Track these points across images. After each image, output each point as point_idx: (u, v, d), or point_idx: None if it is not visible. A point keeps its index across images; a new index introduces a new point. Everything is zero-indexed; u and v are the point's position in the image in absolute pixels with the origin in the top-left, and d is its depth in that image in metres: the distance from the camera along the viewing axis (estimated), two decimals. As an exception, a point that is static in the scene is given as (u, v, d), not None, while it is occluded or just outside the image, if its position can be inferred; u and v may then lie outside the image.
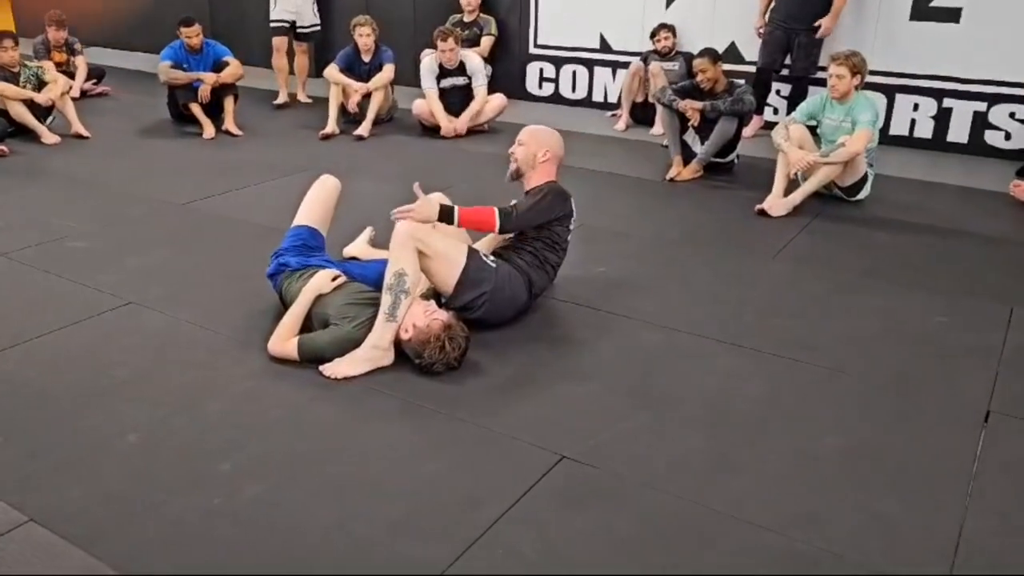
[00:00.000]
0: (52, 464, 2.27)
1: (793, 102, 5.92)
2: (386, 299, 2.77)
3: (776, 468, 2.31)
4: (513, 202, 3.21)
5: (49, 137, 5.77)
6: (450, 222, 3.02)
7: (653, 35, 6.23)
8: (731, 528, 2.06)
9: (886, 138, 5.72)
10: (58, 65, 7.09)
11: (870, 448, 2.40)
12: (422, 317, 2.75)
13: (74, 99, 6.82)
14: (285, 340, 2.82)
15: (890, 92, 5.82)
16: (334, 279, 2.95)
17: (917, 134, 5.85)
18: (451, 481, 2.24)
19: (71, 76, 7.24)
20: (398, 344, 2.80)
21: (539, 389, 2.71)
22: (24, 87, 5.82)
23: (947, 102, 5.67)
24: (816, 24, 5.66)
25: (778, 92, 6.19)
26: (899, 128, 5.88)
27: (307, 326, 2.90)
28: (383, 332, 2.76)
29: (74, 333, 3.02)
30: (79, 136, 5.90)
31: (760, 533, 2.04)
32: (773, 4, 5.85)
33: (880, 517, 2.11)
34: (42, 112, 5.92)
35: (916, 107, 5.80)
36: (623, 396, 2.67)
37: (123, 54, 9.43)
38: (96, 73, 7.60)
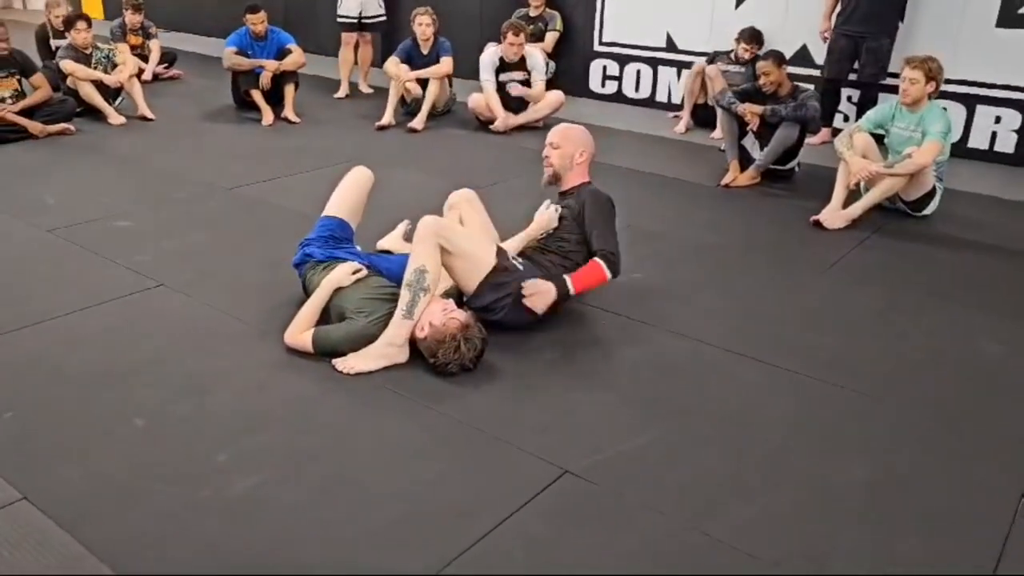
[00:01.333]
0: (55, 444, 2.28)
1: (863, 108, 5.65)
2: (404, 295, 2.71)
3: (791, 497, 2.16)
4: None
5: (115, 118, 5.92)
6: (567, 296, 2.97)
7: (738, 40, 6.00)
8: (728, 560, 1.93)
9: (963, 151, 5.40)
10: (133, 48, 7.30)
11: (898, 483, 2.23)
12: (439, 315, 2.68)
13: (146, 82, 7.02)
14: (301, 331, 2.79)
15: (970, 103, 5.48)
16: (355, 272, 2.91)
17: (998, 148, 5.49)
18: (446, 489, 2.16)
19: (145, 59, 7.44)
20: (414, 342, 2.73)
21: (552, 397, 2.61)
22: (95, 68, 5.98)
23: (1033, 115, 5.32)
24: (887, 30, 5.39)
25: (849, 98, 5.92)
26: (978, 141, 5.53)
27: (325, 319, 2.86)
28: (399, 329, 2.70)
29: (101, 312, 3.05)
30: (144, 118, 6.04)
31: (759, 568, 1.90)
32: (839, 9, 5.59)
33: (900, 560, 1.95)
34: (111, 93, 6.08)
35: (998, 119, 5.44)
36: (638, 409, 2.55)
37: (197, 38, 9.66)
38: (169, 57, 7.78)
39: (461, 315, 2.70)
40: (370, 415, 2.49)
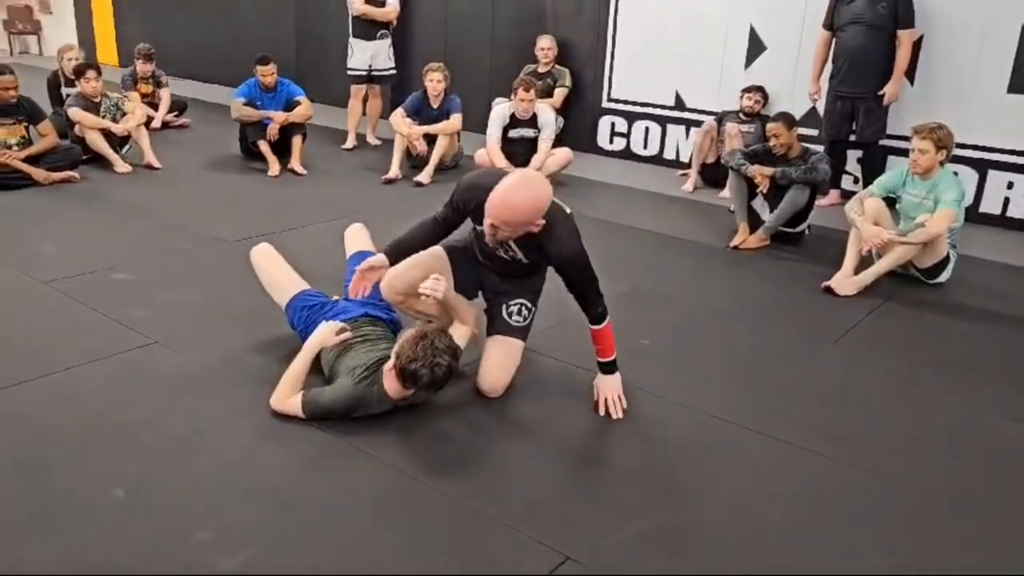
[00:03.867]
0: (29, 515, 2.17)
1: (868, 169, 5.63)
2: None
3: (805, 593, 2.03)
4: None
5: (121, 166, 5.91)
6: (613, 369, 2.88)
7: (743, 93, 6.02)
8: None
9: (975, 216, 5.34)
10: (144, 96, 7.36)
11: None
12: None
13: (155, 130, 7.06)
14: (287, 397, 2.68)
15: (982, 167, 5.44)
16: (339, 332, 2.79)
17: (1011, 214, 5.43)
18: (445, 572, 2.04)
19: (155, 107, 7.49)
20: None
21: (551, 471, 2.49)
22: (104, 117, 5.99)
23: (1046, 181, 5.27)
24: (880, 92, 5.40)
25: (858, 160, 5.88)
26: (991, 206, 5.47)
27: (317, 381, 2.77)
28: None
29: (92, 370, 2.96)
30: (150, 167, 6.03)
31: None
32: (831, 72, 5.60)
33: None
34: (118, 141, 6.08)
35: (1011, 185, 5.39)
36: (642, 489, 2.43)
37: (207, 87, 9.75)
38: (179, 105, 7.82)
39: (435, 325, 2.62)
40: (361, 489, 2.37)
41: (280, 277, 3.18)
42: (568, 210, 2.79)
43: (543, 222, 2.58)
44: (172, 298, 3.67)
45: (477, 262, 3.02)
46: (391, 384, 2.58)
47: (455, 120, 6.14)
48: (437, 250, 3.00)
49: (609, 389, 2.85)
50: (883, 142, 5.62)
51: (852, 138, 5.69)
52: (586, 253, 2.72)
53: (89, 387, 2.85)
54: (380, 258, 2.81)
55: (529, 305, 3.01)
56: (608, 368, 2.86)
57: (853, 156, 5.87)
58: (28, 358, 3.02)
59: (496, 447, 2.61)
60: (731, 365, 3.29)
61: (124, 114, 6.09)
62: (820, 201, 5.35)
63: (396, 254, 2.83)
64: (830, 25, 5.55)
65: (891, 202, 4.40)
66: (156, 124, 7.30)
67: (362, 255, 3.16)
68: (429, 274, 2.84)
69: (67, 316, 3.44)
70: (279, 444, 2.55)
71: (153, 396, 2.81)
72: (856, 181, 5.85)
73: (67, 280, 3.81)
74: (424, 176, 5.96)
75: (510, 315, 2.98)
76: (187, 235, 4.58)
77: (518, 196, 2.52)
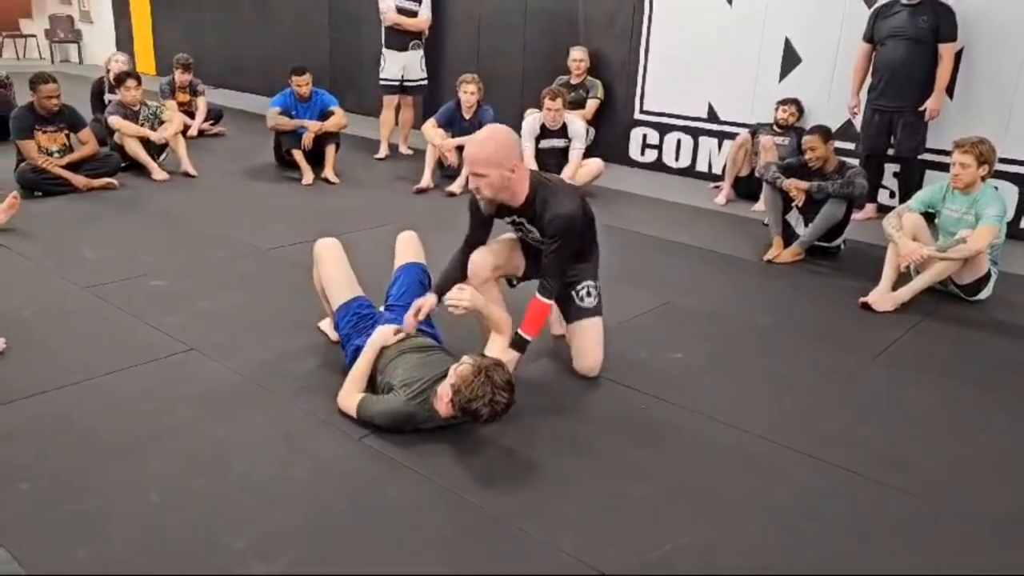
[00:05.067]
0: (68, 518, 2.19)
1: (905, 183, 5.56)
2: None
3: (848, 617, 1.99)
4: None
5: (159, 173, 5.99)
6: (526, 344, 3.01)
7: (778, 105, 5.98)
8: None
9: (1017, 232, 5.25)
10: (181, 105, 7.47)
11: (965, 604, 2.05)
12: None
13: (192, 138, 7.16)
14: (349, 396, 2.76)
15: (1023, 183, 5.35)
16: (396, 332, 2.86)
17: (1052, 230, 5.34)
18: (475, 587, 2.03)
19: (192, 116, 7.60)
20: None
21: (589, 488, 2.47)
22: (142, 125, 6.08)
23: (1091, 197, 5.17)
24: (920, 108, 5.33)
25: (894, 174, 5.81)
26: (1033, 222, 5.38)
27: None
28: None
29: (130, 376, 2.99)
30: (187, 174, 6.11)
31: None
32: (869, 84, 5.53)
33: None
34: (156, 149, 6.17)
35: (1052, 200, 5.30)
36: (682, 505, 2.40)
37: (243, 96, 9.86)
38: (215, 114, 7.93)
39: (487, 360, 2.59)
40: (398, 501, 2.36)
41: (341, 276, 3.18)
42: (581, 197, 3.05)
43: (516, 165, 2.84)
44: (208, 305, 3.70)
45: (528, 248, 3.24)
46: (444, 409, 2.59)
47: (487, 130, 6.14)
48: (511, 236, 3.26)
49: (498, 355, 2.79)
50: (921, 157, 5.54)
51: (890, 152, 5.62)
52: (575, 230, 2.93)
53: (127, 392, 2.88)
54: (431, 298, 2.97)
55: (593, 284, 3.19)
56: (517, 342, 2.97)
57: (890, 170, 5.80)
58: (68, 363, 3.06)
59: (535, 462, 2.59)
60: (768, 381, 3.25)
61: (162, 122, 6.18)
62: (856, 215, 5.28)
63: (441, 290, 3.00)
64: (870, 38, 5.50)
65: (930, 217, 4.34)
66: (193, 132, 7.40)
67: (411, 268, 3.23)
68: (503, 257, 3.19)
69: (106, 322, 3.48)
70: (315, 453, 2.55)
71: (189, 402, 2.83)
72: (893, 195, 5.77)
73: (106, 286, 3.86)
74: (456, 186, 5.98)
75: (581, 300, 3.16)
76: (222, 242, 4.63)
77: (480, 136, 2.92)
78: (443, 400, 2.57)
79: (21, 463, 2.42)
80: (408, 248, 3.38)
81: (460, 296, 2.83)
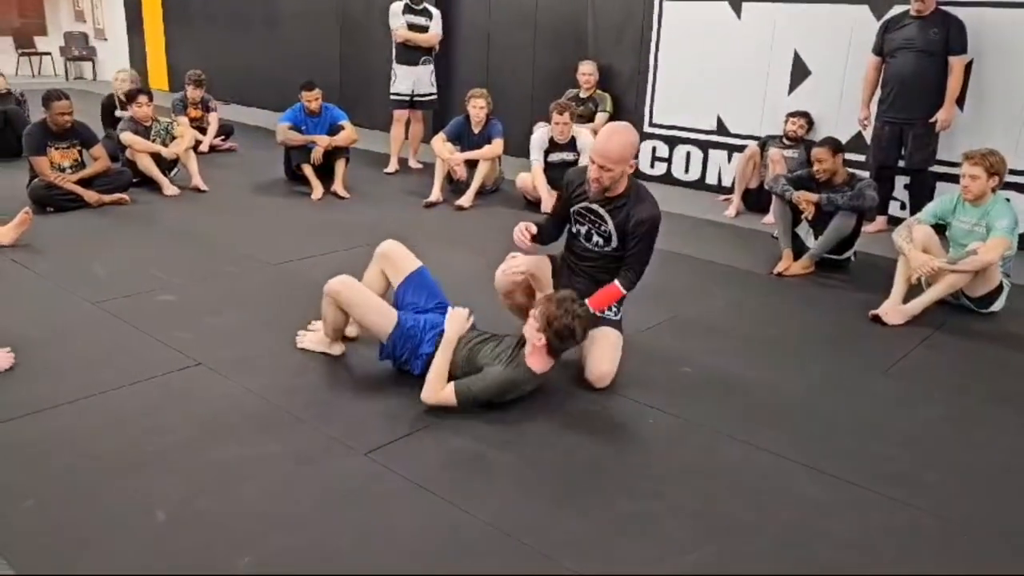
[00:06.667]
0: (73, 537, 2.19)
1: (916, 196, 5.52)
2: None
3: (856, 637, 1.96)
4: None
5: (170, 189, 6.03)
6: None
7: (788, 118, 5.97)
8: None
9: (1028, 244, 5.19)
10: (193, 120, 7.53)
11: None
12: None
13: (203, 154, 7.22)
14: (439, 390, 2.87)
15: (1035, 194, 5.30)
16: (469, 315, 3.07)
17: (1066, 242, 5.27)
18: (478, 605, 2.02)
19: (204, 132, 7.65)
20: None
21: (592, 503, 2.45)
22: (154, 141, 6.13)
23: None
24: (931, 119, 5.30)
25: (906, 186, 5.77)
26: (1046, 234, 5.32)
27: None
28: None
29: (137, 392, 3.00)
30: (197, 189, 6.15)
31: None
32: (879, 96, 5.50)
33: None
34: (167, 164, 6.21)
35: (1066, 212, 5.24)
36: (688, 520, 2.38)
37: (254, 111, 9.94)
38: (226, 129, 7.99)
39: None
40: (402, 520, 2.35)
41: (374, 309, 3.12)
42: None
43: (635, 163, 3.17)
44: (216, 320, 3.71)
45: (571, 271, 3.37)
46: (538, 360, 2.90)
47: (496, 145, 6.17)
48: (543, 257, 3.44)
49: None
50: (932, 168, 5.51)
51: (900, 164, 5.59)
52: (656, 232, 3.20)
53: (133, 408, 2.88)
54: (526, 224, 3.29)
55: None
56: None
57: (901, 182, 5.77)
58: (74, 378, 3.07)
59: (539, 476, 2.57)
60: (777, 396, 3.23)
61: (174, 138, 6.23)
62: (866, 227, 5.25)
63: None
64: (880, 51, 5.48)
65: (940, 229, 4.31)
66: (204, 148, 7.46)
67: (418, 274, 3.29)
68: (535, 270, 3.35)
69: (114, 336, 3.50)
70: (321, 472, 2.54)
71: (196, 419, 2.83)
72: (903, 207, 5.74)
73: (114, 301, 3.88)
74: (465, 200, 5.99)
75: (604, 312, 3.23)
76: (232, 257, 4.65)
77: (616, 137, 3.08)
78: (536, 348, 2.88)
79: (26, 479, 2.42)
80: (402, 257, 3.35)
81: (516, 264, 3.27)
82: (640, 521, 2.37)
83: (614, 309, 3.29)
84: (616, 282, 3.19)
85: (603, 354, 3.17)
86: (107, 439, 2.67)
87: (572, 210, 3.31)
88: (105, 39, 13.81)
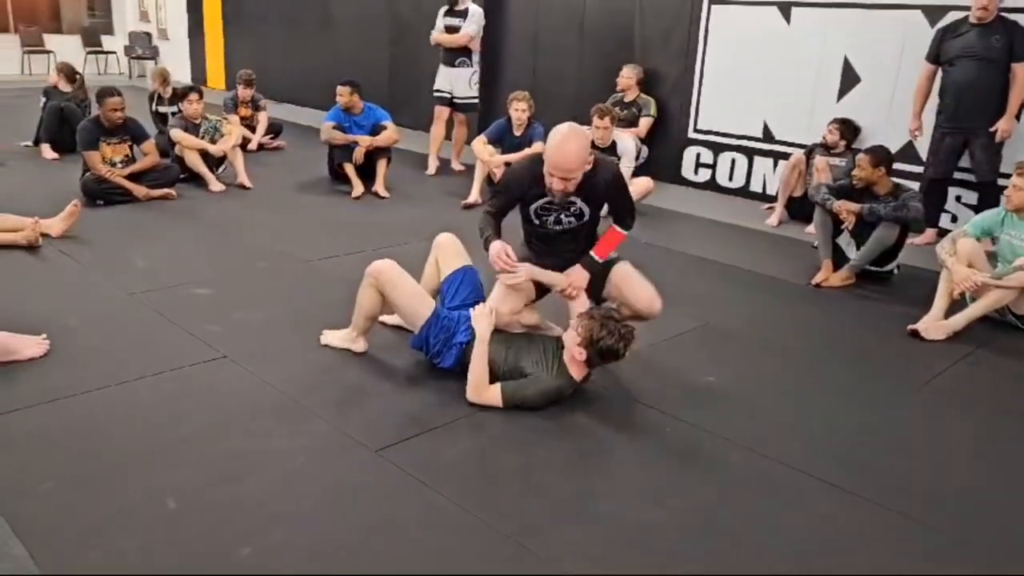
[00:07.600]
0: (85, 521, 2.24)
1: (983, 206, 5.32)
2: None
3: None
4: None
5: (215, 185, 6.16)
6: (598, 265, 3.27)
7: (828, 126, 5.85)
8: None
9: (1085, 261, 4.97)
10: (243, 119, 7.69)
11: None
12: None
13: (251, 152, 7.36)
14: (484, 389, 2.92)
15: (1094, 209, 5.07)
16: (490, 312, 3.08)
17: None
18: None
19: (253, 130, 7.80)
20: None
21: (599, 510, 2.41)
22: (203, 138, 6.27)
23: None
24: (992, 128, 5.11)
25: (958, 198, 5.59)
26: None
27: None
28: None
29: (161, 381, 3.07)
30: (242, 186, 6.27)
31: None
32: (939, 105, 5.32)
33: None
34: (215, 161, 6.35)
35: None
36: (695, 533, 2.33)
37: (304, 111, 10.10)
38: (275, 128, 8.13)
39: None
40: (407, 518, 2.35)
41: (415, 293, 3.17)
42: None
43: (592, 158, 3.06)
44: (248, 315, 3.77)
45: (536, 254, 3.36)
46: (579, 370, 2.96)
47: (537, 148, 6.13)
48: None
49: (579, 277, 3.22)
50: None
51: (958, 175, 5.40)
52: (622, 174, 3.30)
53: (156, 397, 2.94)
54: (501, 245, 3.13)
55: None
56: (590, 262, 3.24)
57: (953, 194, 5.58)
58: (102, 366, 3.15)
59: (547, 481, 2.55)
60: (800, 408, 3.15)
61: (223, 135, 6.36)
62: (915, 239, 5.11)
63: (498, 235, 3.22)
64: (935, 58, 5.31)
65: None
66: (253, 146, 7.61)
67: (463, 271, 3.33)
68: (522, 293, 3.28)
69: (145, 327, 3.58)
70: (332, 468, 2.56)
71: (216, 410, 2.88)
72: (954, 220, 5.55)
73: (150, 292, 3.97)
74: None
75: (609, 258, 3.32)
76: (270, 253, 4.73)
77: (568, 147, 2.98)
78: (577, 361, 2.93)
79: (45, 463, 2.49)
80: (454, 252, 3.40)
81: (516, 274, 3.14)
82: (644, 530, 2.33)
83: (614, 254, 3.37)
84: (616, 227, 3.29)
85: (639, 285, 3.28)
86: (127, 427, 2.73)
87: (531, 209, 3.25)
88: (167, 39, 14.19)
